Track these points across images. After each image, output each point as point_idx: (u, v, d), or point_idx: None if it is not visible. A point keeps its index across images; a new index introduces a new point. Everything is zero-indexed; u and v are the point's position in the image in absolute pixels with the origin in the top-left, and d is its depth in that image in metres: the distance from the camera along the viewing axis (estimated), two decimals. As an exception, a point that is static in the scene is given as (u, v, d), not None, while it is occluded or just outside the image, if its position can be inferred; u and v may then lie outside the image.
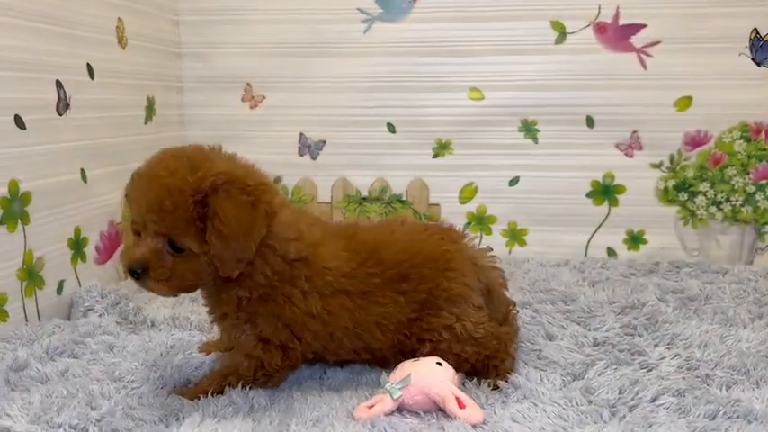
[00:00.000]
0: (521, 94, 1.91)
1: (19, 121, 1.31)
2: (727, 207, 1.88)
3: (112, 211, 1.65)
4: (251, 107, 2.02)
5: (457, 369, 1.06)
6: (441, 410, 0.99)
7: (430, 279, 1.09)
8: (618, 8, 1.85)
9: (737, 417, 0.96)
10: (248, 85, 2.01)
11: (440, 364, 1.04)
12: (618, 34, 1.86)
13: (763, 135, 1.85)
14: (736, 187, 1.87)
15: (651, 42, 1.85)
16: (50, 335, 1.27)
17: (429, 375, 1.01)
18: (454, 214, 1.99)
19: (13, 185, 1.30)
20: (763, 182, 1.86)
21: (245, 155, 2.12)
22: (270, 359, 1.05)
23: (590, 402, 1.02)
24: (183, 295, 1.48)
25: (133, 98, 1.75)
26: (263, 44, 1.98)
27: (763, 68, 1.82)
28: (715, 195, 1.89)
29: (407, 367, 1.03)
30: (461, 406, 0.97)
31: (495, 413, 0.99)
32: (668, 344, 1.26)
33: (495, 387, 1.07)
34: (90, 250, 1.56)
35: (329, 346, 1.09)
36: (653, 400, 1.02)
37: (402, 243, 1.11)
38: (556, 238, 1.96)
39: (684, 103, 1.86)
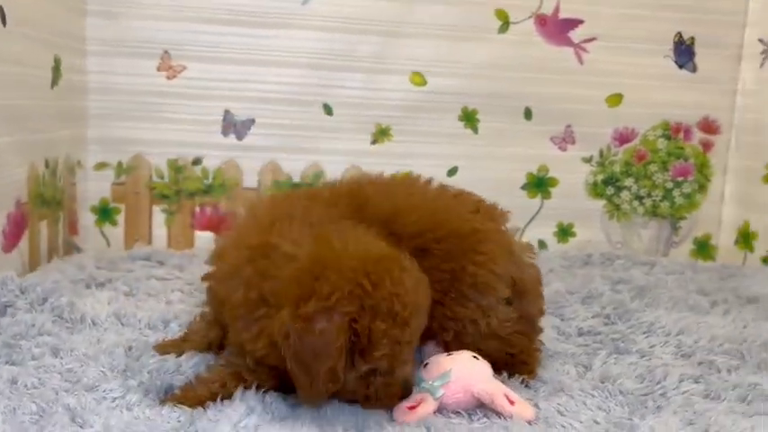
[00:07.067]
0: (463, 82, 1.86)
1: None
2: (648, 202, 1.97)
3: (19, 188, 1.37)
4: (168, 77, 1.78)
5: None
6: (481, 408, 0.91)
7: (453, 258, 0.97)
8: (558, 1, 1.86)
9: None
10: (166, 52, 1.77)
11: (476, 357, 0.95)
12: (557, 28, 1.88)
13: (681, 134, 1.96)
14: (656, 183, 1.96)
15: (588, 38, 1.89)
16: (-31, 337, 1.02)
17: (470, 372, 0.92)
18: (390, 203, 1.90)
19: None
20: (680, 179, 1.97)
21: (160, 131, 1.88)
22: None
23: (621, 393, 0.99)
24: (119, 289, 1.30)
25: (41, 56, 1.47)
26: (186, 7, 1.75)
27: (684, 71, 1.93)
28: (638, 190, 1.97)
29: (444, 363, 0.93)
30: (511, 402, 0.89)
31: (539, 407, 0.93)
32: (646, 332, 1.26)
33: (527, 385, 1.00)
34: (-6, 234, 1.28)
35: None
36: (677, 387, 1.01)
37: (423, 210, 0.99)
38: (491, 229, 1.93)
39: (615, 99, 1.92)
